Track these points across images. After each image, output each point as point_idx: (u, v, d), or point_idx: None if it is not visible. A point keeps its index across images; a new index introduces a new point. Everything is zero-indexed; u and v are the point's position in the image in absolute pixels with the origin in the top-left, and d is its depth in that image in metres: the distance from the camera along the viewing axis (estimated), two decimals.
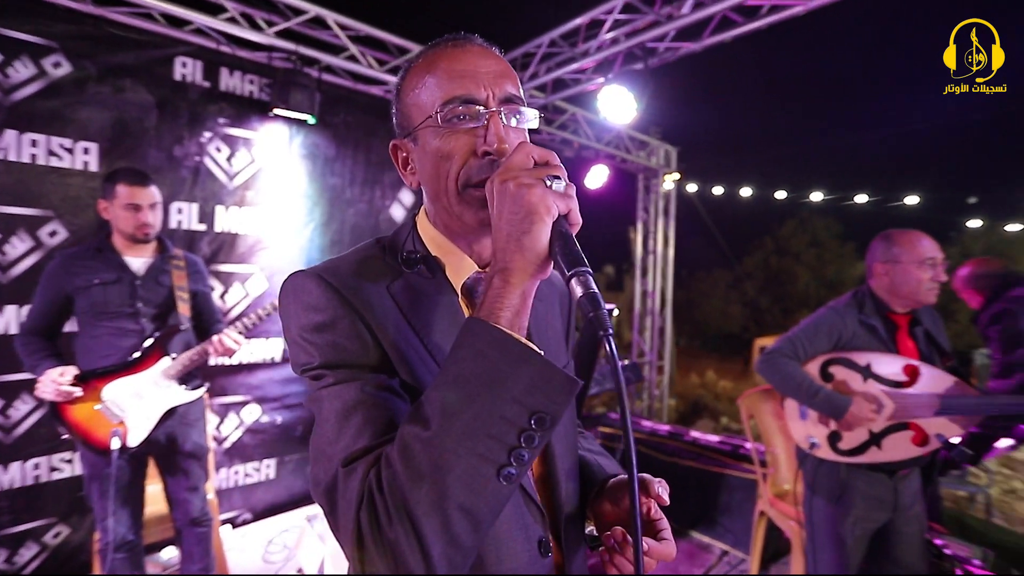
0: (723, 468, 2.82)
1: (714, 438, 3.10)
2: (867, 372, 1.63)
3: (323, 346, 0.61)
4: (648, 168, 5.50)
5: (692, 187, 6.51)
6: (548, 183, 0.55)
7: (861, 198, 12.87)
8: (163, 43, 2.73)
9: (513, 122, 0.66)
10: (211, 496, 2.45)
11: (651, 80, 3.03)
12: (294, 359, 0.65)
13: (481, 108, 0.64)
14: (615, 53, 3.21)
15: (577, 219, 0.57)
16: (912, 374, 1.61)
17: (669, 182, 5.62)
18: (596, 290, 0.52)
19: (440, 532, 0.48)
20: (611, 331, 0.51)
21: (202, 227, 2.87)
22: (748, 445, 2.77)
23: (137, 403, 1.92)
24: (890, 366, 1.62)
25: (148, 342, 1.96)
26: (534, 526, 0.66)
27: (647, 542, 0.64)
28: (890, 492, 1.65)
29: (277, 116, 3.02)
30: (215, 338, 1.99)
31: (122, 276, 1.96)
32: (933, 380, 1.58)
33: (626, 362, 4.69)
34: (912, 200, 12.01)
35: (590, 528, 0.78)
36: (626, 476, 0.76)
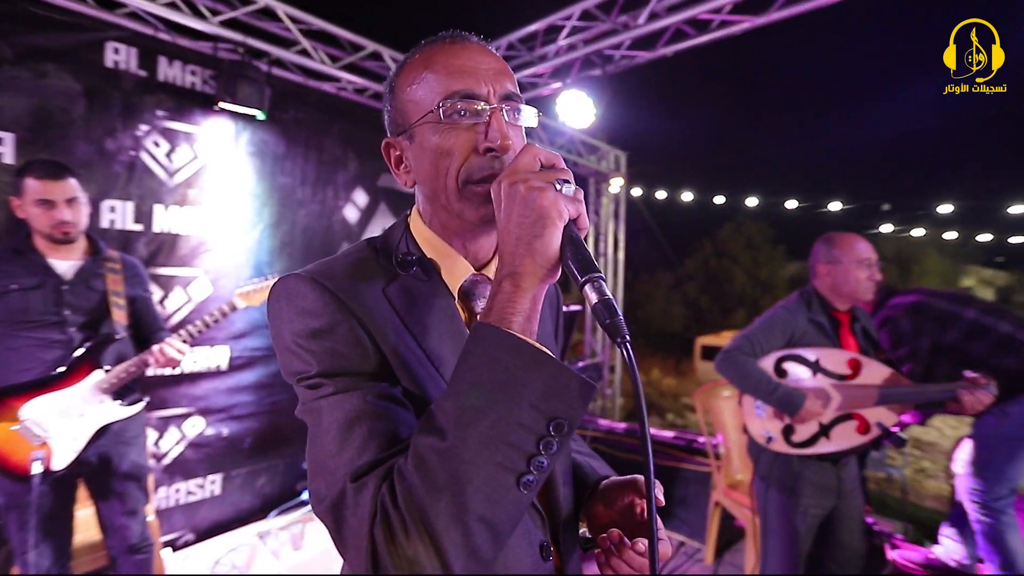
0: (678, 463, 2.94)
1: (669, 434, 3.22)
2: (816, 367, 1.75)
3: (320, 353, 0.58)
4: (599, 172, 5.64)
5: (637, 191, 6.76)
6: (558, 187, 0.54)
7: (791, 204, 13.85)
8: (92, 26, 2.49)
9: (513, 119, 0.66)
10: (151, 518, 2.27)
11: (608, 86, 3.11)
12: (287, 367, 0.62)
13: (483, 104, 0.63)
14: (572, 59, 3.28)
15: (585, 224, 0.57)
16: (855, 367, 1.74)
17: (616, 186, 5.80)
18: (611, 296, 0.52)
19: (461, 545, 0.47)
20: (628, 338, 0.51)
21: (138, 227, 2.65)
22: (702, 439, 2.90)
23: (62, 422, 1.74)
24: (836, 360, 1.75)
25: (77, 353, 1.78)
26: (535, 531, 0.66)
27: (644, 542, 0.65)
28: (835, 479, 1.77)
29: (223, 110, 2.85)
30: (156, 348, 1.84)
31: (45, 281, 1.76)
32: (873, 372, 1.72)
33: (582, 363, 4.78)
34: (835, 206, 13.08)
35: (583, 530, 0.79)
36: (617, 478, 0.78)
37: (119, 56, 2.58)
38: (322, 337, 0.59)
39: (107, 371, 1.82)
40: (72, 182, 1.79)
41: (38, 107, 2.34)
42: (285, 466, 3.35)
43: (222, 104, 2.75)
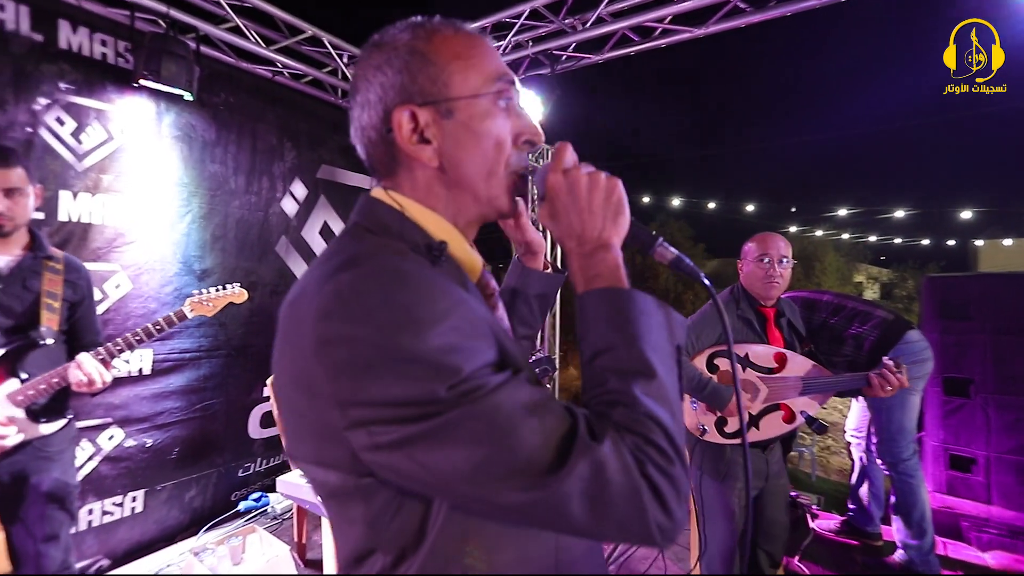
0: None
1: None
2: (745, 361, 1.85)
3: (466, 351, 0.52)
4: (535, 168, 5.74)
5: None
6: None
7: (711, 205, 14.87)
8: None
9: None
10: None
11: (557, 85, 3.16)
12: (412, 386, 0.47)
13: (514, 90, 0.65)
14: (522, 57, 3.29)
15: None
16: (780, 361, 1.86)
17: None
18: (679, 252, 0.65)
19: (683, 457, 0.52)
20: (706, 278, 0.65)
21: (39, 215, 2.33)
22: None
23: None
24: (763, 355, 1.86)
25: None
26: None
27: None
28: (763, 463, 1.90)
29: (142, 88, 2.57)
30: (73, 362, 1.63)
31: None
32: (796, 365, 1.86)
33: (542, 355, 4.84)
34: (750, 208, 14.20)
35: None
36: None
37: (5, 14, 2.23)
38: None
39: (23, 381, 1.61)
40: (16, 171, 1.58)
41: None
42: (219, 476, 3.11)
43: (143, 81, 2.48)
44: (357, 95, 0.63)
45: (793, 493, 3.07)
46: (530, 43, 3.26)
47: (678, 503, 0.48)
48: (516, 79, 0.64)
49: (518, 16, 3.14)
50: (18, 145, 2.25)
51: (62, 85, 2.39)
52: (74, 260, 1.82)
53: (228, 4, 2.83)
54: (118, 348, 1.73)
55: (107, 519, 2.63)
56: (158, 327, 1.81)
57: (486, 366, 0.49)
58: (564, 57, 3.31)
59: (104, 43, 2.53)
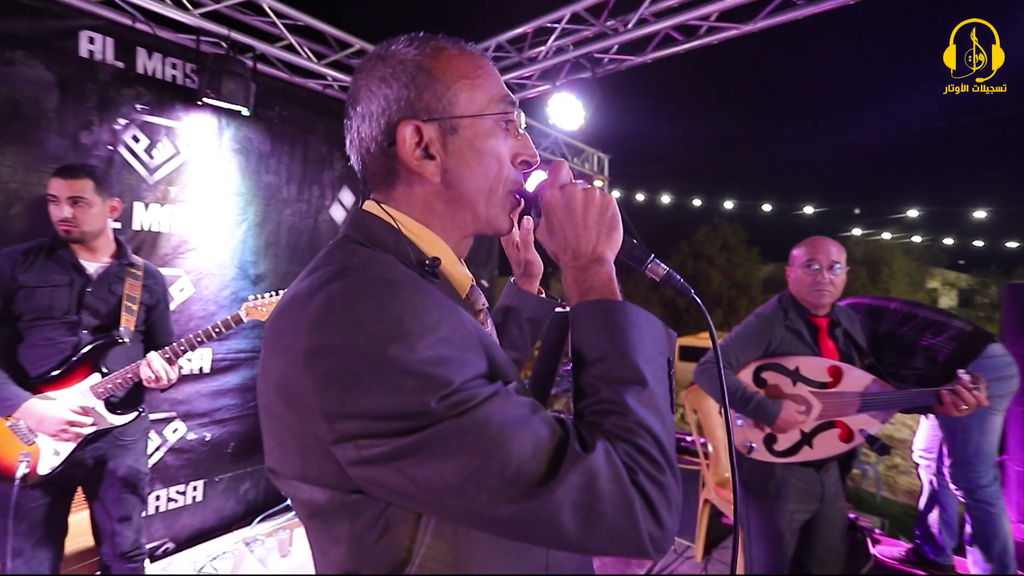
0: None
1: None
2: (796, 375, 1.74)
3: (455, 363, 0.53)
4: (583, 174, 5.69)
5: (616, 193, 6.83)
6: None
7: (766, 207, 14.20)
8: (64, 13, 2.39)
9: None
10: None
11: (598, 89, 3.13)
12: (401, 398, 0.46)
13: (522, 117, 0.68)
14: (562, 61, 3.29)
15: None
16: (836, 374, 1.73)
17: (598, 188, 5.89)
18: (670, 269, 0.68)
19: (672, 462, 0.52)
20: (696, 297, 0.69)
21: (116, 225, 2.54)
22: (690, 438, 2.94)
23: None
24: (816, 368, 1.74)
25: (82, 352, 1.76)
26: None
27: None
28: (818, 484, 1.77)
29: (205, 105, 2.77)
30: (144, 360, 1.80)
31: (73, 280, 1.78)
32: (854, 379, 1.72)
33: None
34: (808, 210, 13.46)
35: None
36: None
37: (94, 46, 2.48)
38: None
39: (104, 375, 1.79)
40: (82, 182, 1.77)
41: (5, 97, 2.23)
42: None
43: (206, 99, 2.67)
44: (358, 106, 0.63)
45: (852, 515, 2.87)
46: (571, 47, 3.24)
47: (668, 512, 0.48)
48: (516, 100, 0.66)
49: (559, 20, 3.14)
50: (100, 162, 2.49)
51: (138, 106, 2.61)
52: (152, 267, 2.01)
53: (282, 24, 3.00)
54: (182, 348, 1.88)
55: (172, 505, 2.83)
56: (217, 329, 1.94)
57: (476, 378, 0.48)
58: (606, 60, 3.28)
59: (174, 66, 2.75)
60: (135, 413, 1.89)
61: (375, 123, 0.62)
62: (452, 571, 0.52)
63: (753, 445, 1.76)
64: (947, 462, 2.34)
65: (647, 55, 3.13)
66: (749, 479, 1.80)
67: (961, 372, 1.60)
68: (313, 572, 0.61)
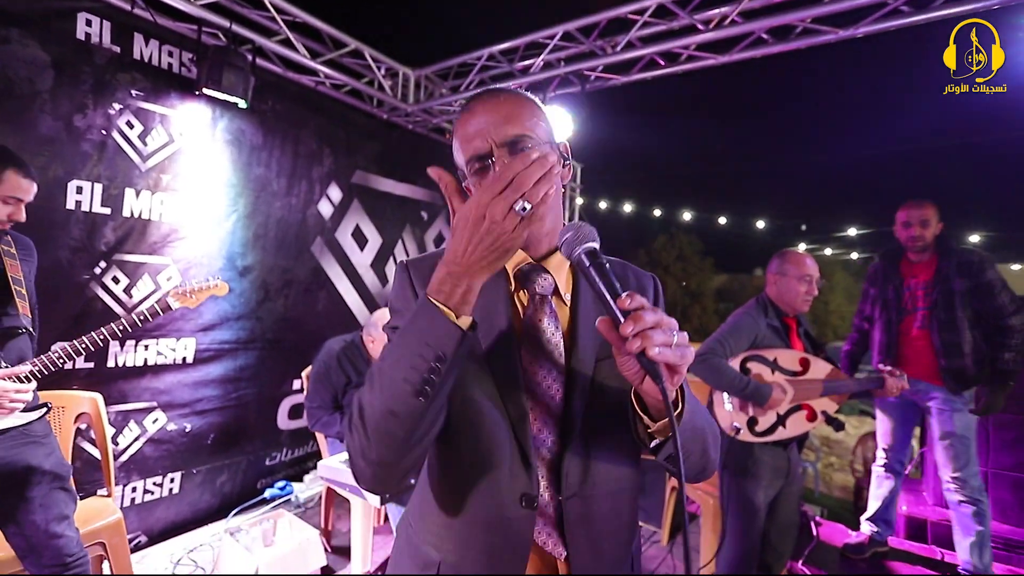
0: None
1: None
2: (774, 365, 2.02)
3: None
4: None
5: (580, 200, 7.08)
6: (517, 208, 0.58)
7: (722, 220, 14.96)
8: None
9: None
10: (117, 516, 2.19)
11: (587, 104, 3.33)
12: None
13: (490, 160, 0.75)
14: (552, 76, 3.47)
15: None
16: (804, 365, 2.04)
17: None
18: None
19: (373, 430, 0.67)
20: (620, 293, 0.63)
21: (105, 210, 2.52)
22: None
23: None
24: (790, 359, 2.04)
25: None
26: (518, 485, 0.77)
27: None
28: (785, 461, 2.05)
29: (201, 95, 2.76)
30: None
31: None
32: (818, 369, 2.04)
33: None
34: (760, 224, 14.28)
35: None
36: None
37: (91, 28, 2.45)
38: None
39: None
40: None
41: None
42: (248, 463, 3.27)
43: (206, 90, 2.67)
44: None
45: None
46: (561, 63, 3.43)
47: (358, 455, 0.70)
48: (485, 149, 0.76)
49: (552, 37, 3.32)
50: (93, 146, 2.45)
51: (133, 92, 2.58)
52: (25, 239, 1.73)
53: (282, 19, 3.03)
54: (100, 337, 1.70)
55: (147, 498, 2.79)
56: (141, 316, 1.77)
57: None
58: (593, 77, 3.48)
59: (171, 54, 2.73)
60: (39, 412, 1.67)
61: None
62: None
63: (739, 426, 2.01)
64: (951, 476, 2.45)
65: (632, 76, 3.35)
66: (733, 458, 2.04)
67: (883, 367, 1.97)
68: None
